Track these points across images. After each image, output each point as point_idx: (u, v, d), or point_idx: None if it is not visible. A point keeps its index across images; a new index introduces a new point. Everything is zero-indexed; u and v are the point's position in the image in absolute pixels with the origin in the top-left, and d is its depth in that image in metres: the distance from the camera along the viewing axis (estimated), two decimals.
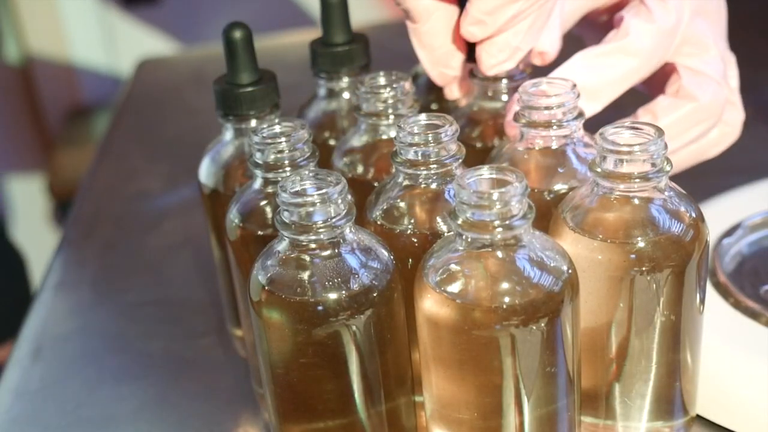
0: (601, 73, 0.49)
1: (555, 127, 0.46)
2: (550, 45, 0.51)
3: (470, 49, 0.51)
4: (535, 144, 0.47)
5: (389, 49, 0.63)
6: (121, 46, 1.78)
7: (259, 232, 0.48)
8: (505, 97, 0.54)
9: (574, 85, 0.46)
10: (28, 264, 1.30)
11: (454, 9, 0.50)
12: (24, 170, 1.77)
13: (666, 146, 0.42)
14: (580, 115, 0.46)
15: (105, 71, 1.78)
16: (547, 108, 0.46)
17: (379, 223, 0.46)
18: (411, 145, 0.44)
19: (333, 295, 0.41)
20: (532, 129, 0.47)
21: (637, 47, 0.49)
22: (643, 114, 0.51)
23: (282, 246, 0.42)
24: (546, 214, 0.46)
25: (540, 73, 0.49)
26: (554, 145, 0.47)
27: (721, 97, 0.52)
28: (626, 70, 0.49)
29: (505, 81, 0.53)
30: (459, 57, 0.51)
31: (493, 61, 0.49)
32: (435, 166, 0.44)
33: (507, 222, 0.39)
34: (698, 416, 0.50)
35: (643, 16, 0.49)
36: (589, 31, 0.57)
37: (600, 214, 0.43)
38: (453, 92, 0.54)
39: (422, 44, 0.50)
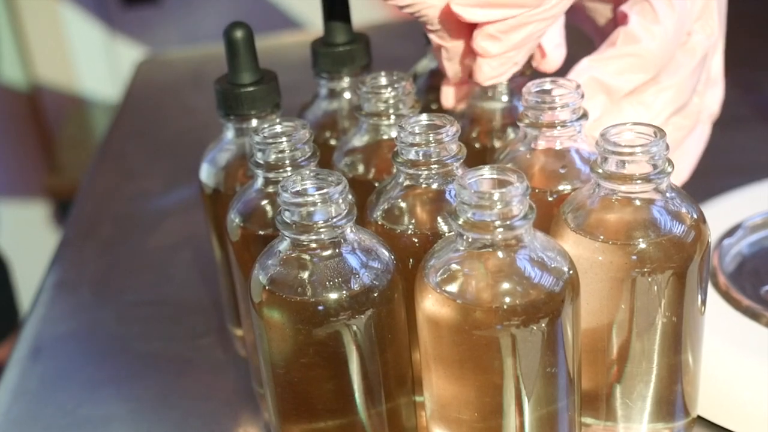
0: (612, 77, 0.50)
1: (559, 127, 0.46)
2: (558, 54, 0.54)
3: None
4: (539, 144, 0.47)
5: (390, 48, 0.63)
6: (121, 46, 1.78)
7: (260, 232, 0.48)
8: (505, 98, 0.54)
9: (578, 86, 0.46)
10: (13, 268, 1.30)
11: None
12: (22, 162, 1.77)
13: (667, 147, 0.42)
14: (584, 115, 0.46)
15: (105, 71, 1.78)
16: (551, 108, 0.46)
17: (379, 223, 0.46)
18: (412, 145, 0.44)
19: (334, 295, 0.41)
20: (535, 129, 0.47)
21: (647, 49, 0.50)
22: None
23: (283, 246, 0.42)
24: (548, 214, 0.46)
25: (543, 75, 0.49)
26: (558, 146, 0.47)
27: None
28: (637, 73, 0.50)
29: (504, 82, 0.53)
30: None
31: (494, 73, 0.50)
32: (436, 166, 0.44)
33: (508, 222, 0.38)
34: (699, 417, 0.50)
35: (648, 17, 0.50)
36: (588, 23, 0.57)
37: (601, 215, 0.43)
38: (448, 100, 0.55)
39: (449, 59, 0.52)
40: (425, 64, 0.62)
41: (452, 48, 0.51)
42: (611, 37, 0.51)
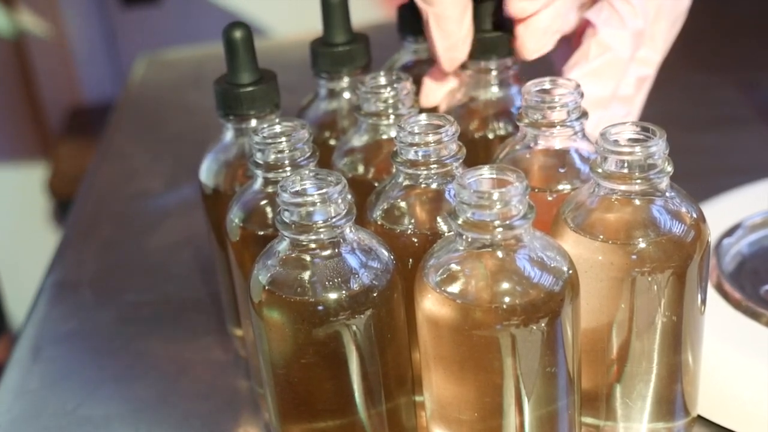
0: (595, 91, 0.51)
1: (558, 127, 0.46)
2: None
3: (474, 48, 0.52)
4: (538, 144, 0.47)
5: (390, 49, 0.63)
6: (122, 46, 1.78)
7: (260, 232, 0.48)
8: (495, 89, 0.55)
9: (578, 85, 0.46)
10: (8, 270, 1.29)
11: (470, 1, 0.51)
12: (22, 162, 1.77)
13: (667, 146, 0.42)
14: (584, 114, 0.46)
15: (105, 71, 1.78)
16: (550, 108, 0.46)
17: (379, 223, 0.46)
18: (411, 144, 0.44)
19: (333, 295, 0.41)
20: (535, 129, 0.47)
21: (620, 57, 0.51)
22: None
23: (282, 246, 0.42)
24: (548, 214, 0.46)
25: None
26: (557, 145, 0.47)
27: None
28: (614, 79, 0.52)
29: (494, 72, 0.54)
30: (468, 44, 0.52)
31: (538, 45, 0.51)
32: (435, 166, 0.44)
33: (507, 222, 0.38)
34: (699, 417, 0.50)
35: (615, 24, 0.51)
36: None
37: (601, 214, 0.43)
38: (428, 98, 0.55)
39: (439, 29, 0.51)
40: (399, 59, 0.62)
41: (442, 14, 0.50)
42: (582, 48, 0.52)
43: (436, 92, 0.55)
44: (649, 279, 0.43)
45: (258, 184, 0.48)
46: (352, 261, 0.42)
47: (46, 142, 1.79)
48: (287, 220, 0.41)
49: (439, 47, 0.51)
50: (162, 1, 1.76)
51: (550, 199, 0.47)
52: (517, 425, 0.42)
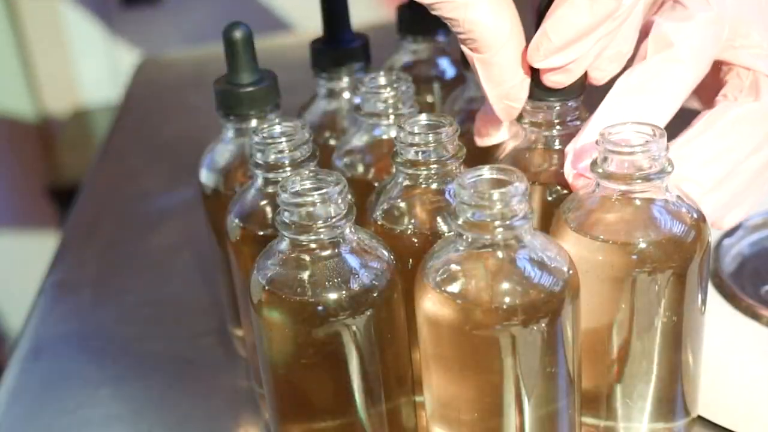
0: (653, 96, 0.44)
1: (558, 126, 0.46)
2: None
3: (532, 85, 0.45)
4: (538, 144, 0.47)
5: (389, 49, 0.63)
6: (122, 46, 1.78)
7: (260, 232, 0.48)
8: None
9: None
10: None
11: (524, 39, 0.43)
12: (22, 162, 1.77)
13: (667, 146, 0.42)
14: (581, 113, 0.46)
15: (105, 71, 1.78)
16: (549, 107, 0.46)
17: (379, 223, 0.46)
18: (411, 145, 0.44)
19: (333, 295, 0.41)
20: (536, 128, 0.47)
21: (682, 54, 0.44)
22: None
23: (282, 246, 0.42)
24: (548, 214, 0.46)
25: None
26: (558, 145, 0.47)
27: None
28: (678, 83, 0.44)
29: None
30: (526, 90, 0.45)
31: (604, 74, 0.45)
32: (435, 166, 0.44)
33: (508, 222, 0.38)
34: (699, 417, 0.50)
35: (678, 15, 0.44)
36: None
37: (602, 214, 0.43)
38: (485, 140, 0.50)
39: (490, 78, 0.43)
40: (398, 59, 0.62)
41: (491, 60, 0.42)
42: (640, 50, 0.45)
43: (492, 137, 0.50)
44: (650, 279, 0.43)
45: (258, 184, 0.48)
46: (352, 261, 0.42)
47: (46, 143, 1.79)
48: (287, 221, 0.41)
49: (490, 95, 0.44)
50: (162, 1, 1.76)
51: (550, 199, 0.47)
52: (518, 425, 0.42)
